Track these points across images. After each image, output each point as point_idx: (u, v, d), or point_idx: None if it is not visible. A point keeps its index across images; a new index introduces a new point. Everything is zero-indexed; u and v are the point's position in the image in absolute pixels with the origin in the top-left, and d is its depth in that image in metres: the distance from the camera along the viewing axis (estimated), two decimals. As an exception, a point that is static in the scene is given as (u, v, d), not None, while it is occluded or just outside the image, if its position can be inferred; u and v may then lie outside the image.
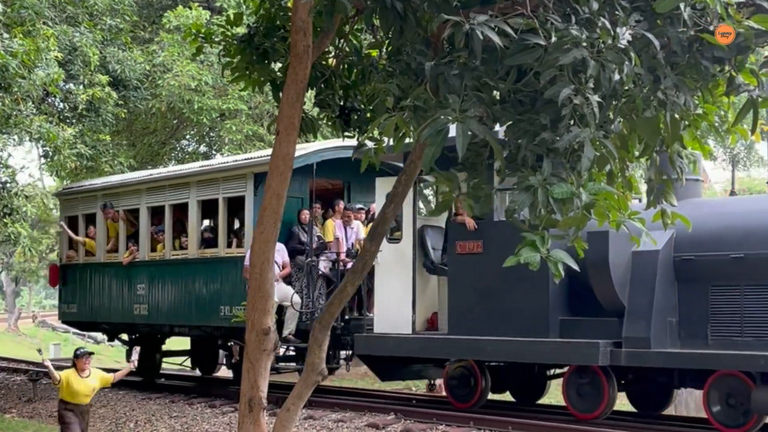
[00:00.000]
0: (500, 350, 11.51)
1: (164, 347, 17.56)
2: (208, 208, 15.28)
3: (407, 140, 5.68)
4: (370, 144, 6.51)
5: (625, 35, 4.76)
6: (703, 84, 5.54)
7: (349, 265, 13.39)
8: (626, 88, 5.08)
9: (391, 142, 5.83)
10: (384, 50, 6.58)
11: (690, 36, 5.02)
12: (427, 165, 4.93)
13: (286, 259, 13.56)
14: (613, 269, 10.80)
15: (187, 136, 26.32)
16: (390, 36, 5.96)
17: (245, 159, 14.19)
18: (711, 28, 4.92)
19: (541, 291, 11.35)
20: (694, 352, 10.30)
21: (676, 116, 5.40)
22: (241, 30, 7.25)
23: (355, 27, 6.87)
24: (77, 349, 10.89)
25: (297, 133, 6.57)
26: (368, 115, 7.01)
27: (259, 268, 6.82)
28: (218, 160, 15.09)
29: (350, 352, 13.87)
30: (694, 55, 5.23)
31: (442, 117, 4.82)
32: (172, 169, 17.25)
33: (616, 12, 4.91)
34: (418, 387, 16.22)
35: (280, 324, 13.31)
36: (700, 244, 10.74)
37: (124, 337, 17.50)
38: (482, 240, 11.83)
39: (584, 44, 4.68)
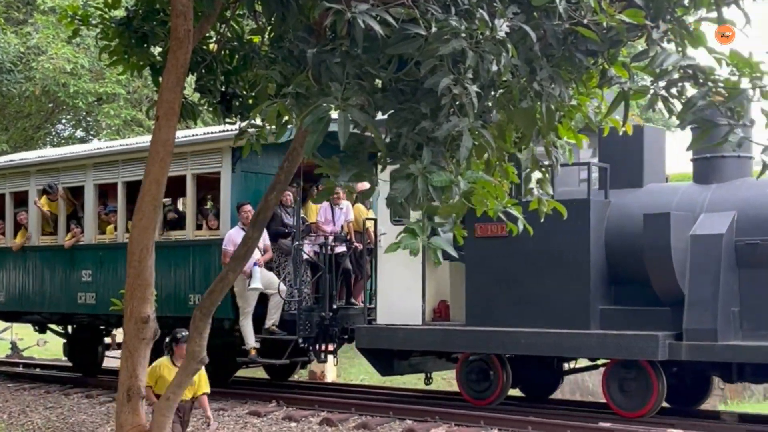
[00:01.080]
0: (537, 343, 11.39)
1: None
2: (172, 187, 14.70)
3: (290, 127, 6.23)
4: (251, 131, 6.49)
5: (502, 27, 5.08)
6: (577, 76, 5.91)
7: (338, 250, 13.92)
8: (504, 79, 5.46)
9: (274, 129, 6.39)
10: (266, 36, 6.76)
11: (565, 29, 5.41)
12: (308, 152, 5.27)
13: (268, 242, 13.67)
14: (674, 254, 10.62)
15: (63, 121, 25.81)
16: (272, 22, 6.69)
17: (221, 132, 14.10)
18: (585, 21, 5.35)
19: (580, 278, 11.27)
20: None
21: (552, 107, 5.84)
22: (119, 13, 7.27)
23: (237, 12, 6.89)
24: (176, 332, 9.20)
25: (177, 118, 6.95)
26: (250, 101, 7.12)
27: (138, 255, 7.34)
28: (185, 133, 14.87)
29: (338, 344, 13.94)
30: (569, 48, 5.58)
31: (323, 105, 5.17)
32: (128, 141, 17.44)
33: (494, 4, 5.48)
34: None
35: (264, 314, 13.54)
36: (767, 227, 10.53)
37: (57, 327, 17.37)
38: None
39: (463, 35, 5.03)
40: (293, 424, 11.66)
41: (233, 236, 13.44)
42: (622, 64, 5.92)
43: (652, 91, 5.67)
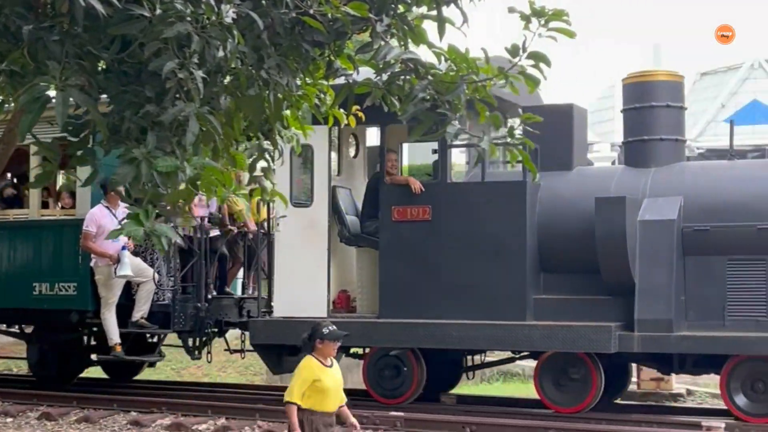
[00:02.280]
0: (472, 336, 10.46)
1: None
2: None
3: (6, 107, 5.74)
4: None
5: (229, 13, 5.03)
6: (304, 66, 5.96)
7: (213, 233, 12.46)
8: (232, 65, 5.41)
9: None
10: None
11: (292, 18, 5.43)
12: (23, 133, 5.02)
13: None
14: (628, 241, 10.00)
15: None
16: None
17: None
18: (311, 11, 5.42)
19: (516, 266, 10.47)
20: (735, 336, 9.79)
21: (279, 96, 5.87)
22: None
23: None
24: (319, 325, 7.29)
25: None
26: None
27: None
28: None
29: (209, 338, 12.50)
30: (296, 38, 5.62)
31: (41, 84, 4.91)
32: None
33: (221, -11, 5.40)
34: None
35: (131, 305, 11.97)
36: (716, 214, 10.11)
37: None
38: (431, 205, 10.76)
39: (189, 19, 4.94)
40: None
41: (97, 216, 11.72)
42: (347, 56, 6.06)
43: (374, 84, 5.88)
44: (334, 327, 7.34)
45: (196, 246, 12.13)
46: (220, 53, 5.00)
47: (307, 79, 6.25)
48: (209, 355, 12.65)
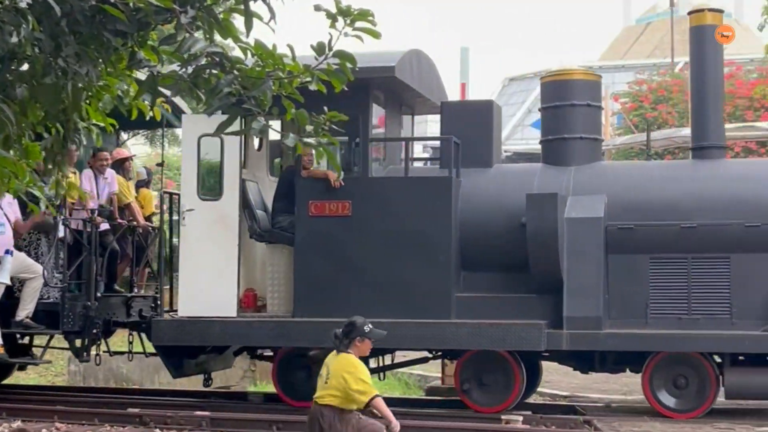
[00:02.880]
0: (401, 336, 9.89)
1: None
2: None
3: None
4: None
5: None
6: (105, 56, 5.76)
7: (104, 227, 11.54)
8: (27, 52, 5.20)
9: None
10: None
11: (92, 6, 5.27)
12: None
13: (19, 215, 10.97)
14: (560, 238, 9.95)
15: None
16: None
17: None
18: (113, 0, 5.29)
19: (441, 264, 10.21)
20: (661, 333, 9.92)
21: (79, 86, 5.69)
22: None
23: None
24: (358, 322, 7.27)
25: None
26: None
27: None
28: None
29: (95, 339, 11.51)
30: (97, 26, 5.41)
31: None
32: None
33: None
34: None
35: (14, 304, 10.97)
36: (639, 212, 10.20)
37: None
38: (351, 200, 10.38)
39: None
40: None
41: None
42: (151, 47, 5.91)
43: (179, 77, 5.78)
44: (372, 326, 7.28)
45: (85, 240, 11.24)
46: (14, 39, 4.78)
47: (108, 69, 6.02)
48: (98, 357, 11.79)
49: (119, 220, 12.02)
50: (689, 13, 11.15)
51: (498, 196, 10.54)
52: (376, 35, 5.40)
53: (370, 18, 5.33)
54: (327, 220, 10.48)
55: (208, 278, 10.63)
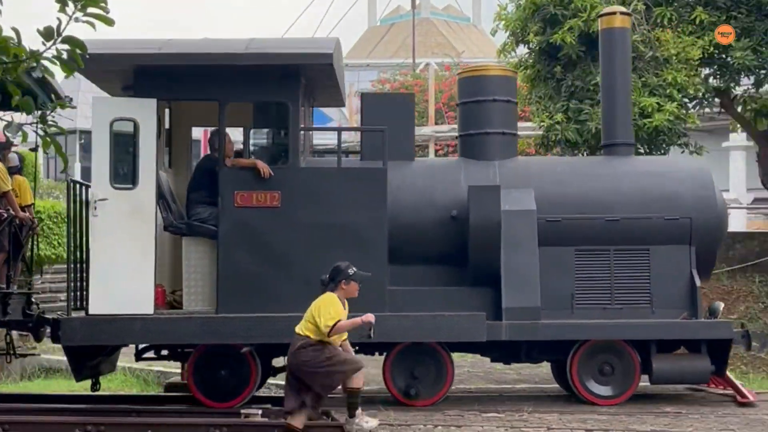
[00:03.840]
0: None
1: None
2: None
3: None
4: None
5: None
6: None
7: None
8: None
9: None
10: None
11: None
12: None
13: None
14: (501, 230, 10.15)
15: None
16: None
17: None
18: None
19: (375, 256, 9.96)
20: (596, 323, 10.22)
21: None
22: None
23: None
24: (343, 266, 8.39)
25: None
26: None
27: None
28: None
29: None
30: None
31: None
32: None
33: None
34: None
35: None
36: (565, 206, 10.50)
37: None
38: (281, 191, 10.05)
39: None
40: None
41: None
42: None
43: None
44: (356, 268, 8.24)
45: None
46: None
47: None
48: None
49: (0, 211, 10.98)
50: (599, 16, 11.64)
51: (425, 189, 10.50)
52: (109, 22, 5.19)
53: (102, 5, 5.14)
54: (254, 211, 9.99)
55: (122, 273, 9.82)
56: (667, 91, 14.29)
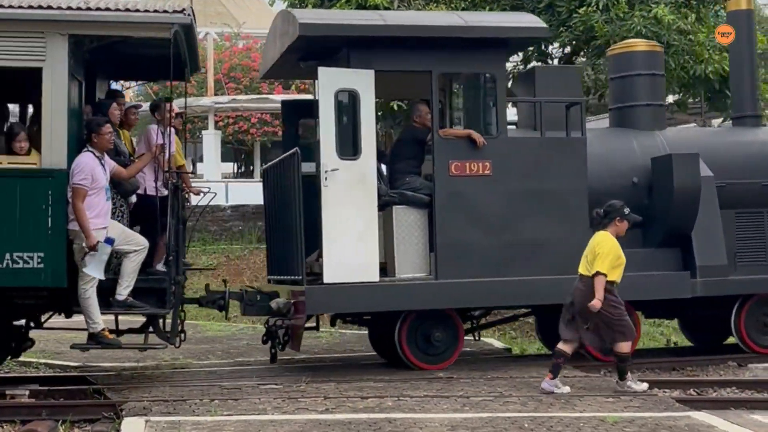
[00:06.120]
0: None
1: None
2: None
3: None
4: None
5: None
6: None
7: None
8: None
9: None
10: None
11: None
12: None
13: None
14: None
15: None
16: None
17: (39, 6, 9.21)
18: None
19: (577, 221, 10.58)
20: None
21: None
22: None
23: None
24: (621, 206, 9.15)
25: None
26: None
27: None
28: None
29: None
30: None
31: None
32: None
33: None
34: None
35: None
36: (727, 172, 11.51)
37: None
38: (491, 160, 10.45)
39: None
40: None
41: (90, 165, 9.06)
42: None
43: None
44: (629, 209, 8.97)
45: (171, 205, 9.79)
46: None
47: None
48: (183, 334, 10.31)
49: (190, 187, 10.72)
50: (725, -1, 12.95)
51: (604, 157, 11.18)
52: None
53: None
54: (467, 180, 10.41)
55: (351, 242, 10.01)
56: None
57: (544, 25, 10.74)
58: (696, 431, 7.41)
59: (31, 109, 10.89)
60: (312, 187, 10.22)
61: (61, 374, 11.25)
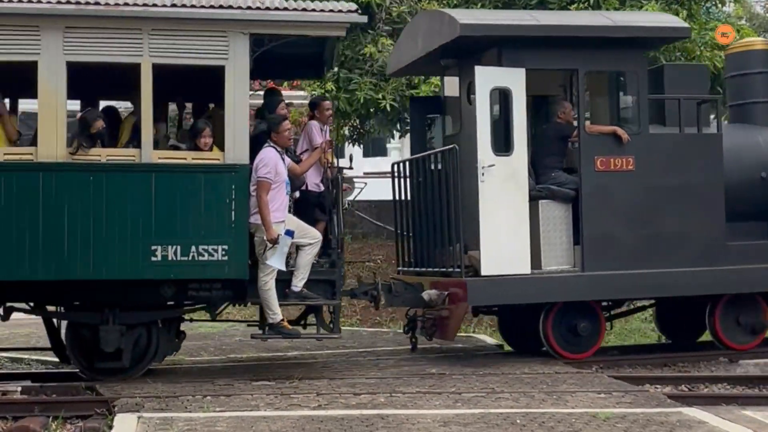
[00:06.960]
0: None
1: None
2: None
3: None
4: None
5: None
6: None
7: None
8: None
9: None
10: None
11: None
12: None
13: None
14: None
15: None
16: None
17: (221, 6, 9.59)
18: None
19: (714, 215, 11.07)
20: None
21: None
22: None
23: None
24: None
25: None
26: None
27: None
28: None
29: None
30: None
31: None
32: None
33: None
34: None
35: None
36: None
37: None
38: (634, 156, 10.85)
39: None
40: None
41: (274, 160, 9.37)
42: None
43: None
44: None
45: (328, 199, 10.37)
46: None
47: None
48: (333, 325, 10.56)
49: (346, 185, 11.06)
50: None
51: (731, 152, 11.45)
52: None
53: None
54: (612, 175, 10.82)
55: (505, 236, 10.41)
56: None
57: (687, 25, 11.19)
58: (687, 427, 7.53)
59: (188, 107, 11.27)
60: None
61: (54, 370, 11.29)
